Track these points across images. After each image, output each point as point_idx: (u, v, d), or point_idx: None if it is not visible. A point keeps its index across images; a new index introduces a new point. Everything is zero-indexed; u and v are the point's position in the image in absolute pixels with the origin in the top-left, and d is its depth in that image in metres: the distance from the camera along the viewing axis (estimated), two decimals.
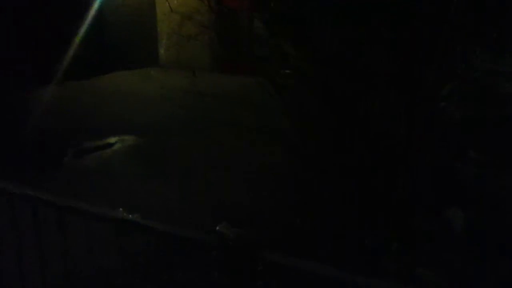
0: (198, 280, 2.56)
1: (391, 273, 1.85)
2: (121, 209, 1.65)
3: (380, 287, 1.28)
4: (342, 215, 2.53)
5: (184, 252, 2.66)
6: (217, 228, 1.46)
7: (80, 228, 1.65)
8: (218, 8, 3.74)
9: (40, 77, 7.61)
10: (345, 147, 2.53)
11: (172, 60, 9.99)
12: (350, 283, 1.34)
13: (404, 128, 2.34)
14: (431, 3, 2.27)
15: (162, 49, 10.53)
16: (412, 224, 1.98)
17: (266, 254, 1.45)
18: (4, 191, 1.79)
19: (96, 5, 9.10)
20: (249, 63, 3.22)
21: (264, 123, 2.83)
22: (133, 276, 2.29)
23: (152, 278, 2.49)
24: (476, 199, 1.86)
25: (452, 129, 1.98)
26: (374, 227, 2.22)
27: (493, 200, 1.79)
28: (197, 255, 2.63)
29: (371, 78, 2.41)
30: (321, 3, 2.54)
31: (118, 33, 9.95)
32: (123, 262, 1.68)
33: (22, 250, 1.80)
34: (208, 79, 6.09)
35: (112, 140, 5.59)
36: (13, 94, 5.50)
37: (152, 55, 10.47)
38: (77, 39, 8.79)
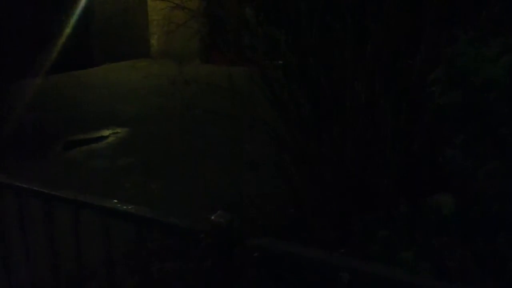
0: (190, 269, 2.57)
1: (378, 258, 1.87)
2: (113, 199, 1.65)
3: (370, 270, 1.30)
4: (329, 203, 2.54)
5: (175, 241, 2.67)
6: (212, 217, 1.47)
7: (67, 218, 1.64)
8: None
9: (26, 69, 7.51)
10: (330, 138, 2.54)
11: (162, 51, 9.93)
12: (344, 267, 1.36)
13: (391, 116, 2.35)
14: None
15: (153, 39, 10.45)
16: (398, 210, 2.01)
17: (257, 240, 1.46)
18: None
19: None
20: (237, 52, 3.20)
21: (250, 114, 2.83)
22: (121, 267, 2.30)
23: (141, 268, 2.49)
24: (461, 185, 1.89)
25: (439, 115, 2.00)
26: (361, 214, 2.24)
27: (477, 186, 1.81)
28: (188, 244, 2.65)
29: (356, 66, 2.42)
30: None
31: (106, 23, 9.85)
32: (110, 252, 1.68)
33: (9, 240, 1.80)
34: (196, 69, 6.08)
35: (106, 133, 5.56)
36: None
37: (142, 46, 10.39)
38: (64, 30, 8.68)
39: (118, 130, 5.69)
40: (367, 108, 2.48)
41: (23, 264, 1.78)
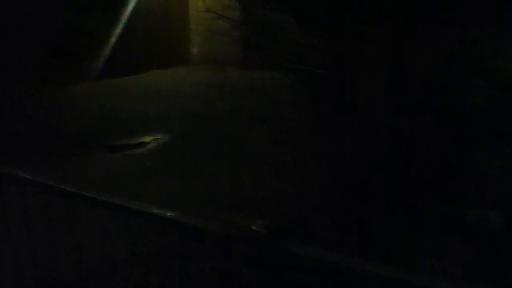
0: (222, 273, 2.58)
1: (401, 263, 1.82)
2: (152, 203, 1.67)
3: (401, 278, 1.26)
4: (351, 206, 2.51)
5: (210, 245, 2.68)
6: (253, 227, 1.47)
7: (90, 217, 1.69)
8: (250, 4, 3.77)
9: (71, 76, 7.82)
10: (355, 140, 2.51)
11: (202, 58, 10.08)
12: (376, 275, 1.33)
13: (412, 119, 2.30)
14: None
15: (194, 47, 10.63)
16: (421, 215, 1.95)
17: (294, 246, 1.46)
18: (35, 182, 1.86)
19: (128, 4, 9.26)
20: (277, 58, 3.24)
21: (290, 118, 2.84)
22: (157, 267, 2.33)
23: (174, 270, 2.53)
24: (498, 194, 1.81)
25: (475, 119, 1.93)
26: (386, 218, 2.19)
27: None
28: (227, 250, 2.66)
29: (379, 68, 2.39)
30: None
31: (149, 32, 10.10)
32: (147, 253, 1.71)
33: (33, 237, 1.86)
34: (238, 74, 6.12)
35: (147, 138, 5.68)
36: (47, 91, 5.69)
37: (183, 54, 10.58)
38: (109, 38, 8.97)
39: (159, 136, 5.81)
40: (389, 111, 2.45)
41: (48, 256, 1.84)
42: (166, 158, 5.09)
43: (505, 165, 1.96)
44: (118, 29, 9.16)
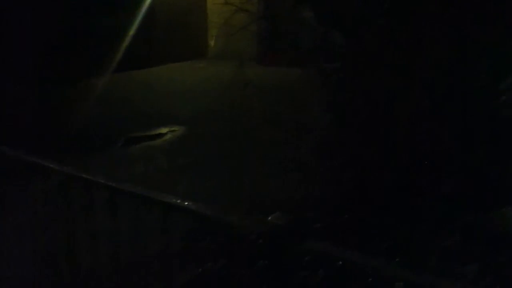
0: (242, 269, 2.60)
1: (437, 270, 1.81)
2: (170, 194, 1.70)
3: (428, 283, 1.26)
4: (381, 210, 2.49)
5: (229, 239, 2.70)
6: (269, 218, 1.47)
7: (128, 210, 1.72)
8: None
9: (91, 69, 7.91)
10: (386, 144, 2.49)
11: (219, 52, 10.08)
12: (400, 276, 1.33)
13: (453, 126, 2.27)
14: None
15: (211, 41, 10.63)
16: (459, 222, 1.94)
17: (312, 244, 1.45)
18: (60, 172, 1.90)
19: None
20: (296, 54, 3.21)
21: (302, 116, 2.82)
22: (173, 261, 2.36)
23: (193, 264, 2.55)
24: None
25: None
26: (415, 223, 2.18)
27: None
28: (242, 243, 2.68)
29: (417, 74, 2.36)
30: None
31: (167, 25, 10.13)
32: (166, 245, 1.73)
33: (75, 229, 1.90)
34: (255, 70, 6.13)
35: (163, 130, 5.73)
36: (65, 85, 5.77)
37: (200, 47, 10.60)
38: (127, 32, 9.03)
39: (175, 128, 5.85)
40: (428, 115, 2.42)
41: (85, 252, 1.88)
42: (183, 150, 5.13)
43: None
44: (136, 22, 9.20)
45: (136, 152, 5.19)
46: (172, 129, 5.80)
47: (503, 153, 2.18)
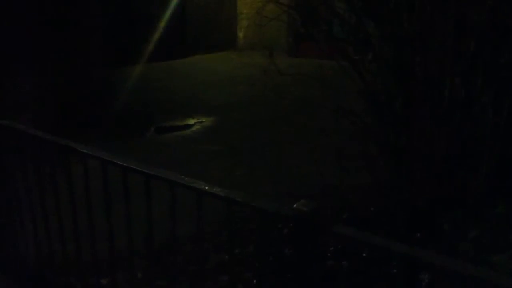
0: (269, 255, 2.65)
1: (467, 258, 1.80)
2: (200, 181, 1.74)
3: (453, 267, 1.26)
4: (415, 198, 2.47)
5: (259, 225, 2.77)
6: (295, 205, 1.48)
7: (163, 195, 1.77)
8: None
9: (127, 58, 8.08)
10: (422, 132, 2.46)
11: (248, 44, 10.10)
12: (424, 262, 1.32)
13: (491, 114, 2.23)
14: None
15: (240, 32, 10.66)
16: (492, 210, 1.91)
17: (340, 230, 1.45)
18: (98, 158, 1.97)
19: None
20: (328, 45, 3.19)
21: (338, 104, 2.80)
22: (205, 245, 2.41)
23: (224, 248, 2.60)
24: None
25: None
26: (450, 211, 2.16)
27: None
28: (270, 229, 2.73)
29: (456, 60, 2.32)
30: None
31: (198, 16, 10.21)
32: (198, 230, 1.79)
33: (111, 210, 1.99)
34: (284, 61, 6.15)
35: (191, 121, 5.82)
36: (100, 74, 5.93)
37: (230, 39, 10.64)
38: (162, 22, 9.16)
39: (203, 119, 5.93)
40: (466, 104, 2.38)
41: (122, 233, 1.95)
42: (211, 141, 5.20)
43: None
44: (168, 13, 9.33)
45: (166, 140, 5.31)
46: (200, 119, 5.89)
47: None
